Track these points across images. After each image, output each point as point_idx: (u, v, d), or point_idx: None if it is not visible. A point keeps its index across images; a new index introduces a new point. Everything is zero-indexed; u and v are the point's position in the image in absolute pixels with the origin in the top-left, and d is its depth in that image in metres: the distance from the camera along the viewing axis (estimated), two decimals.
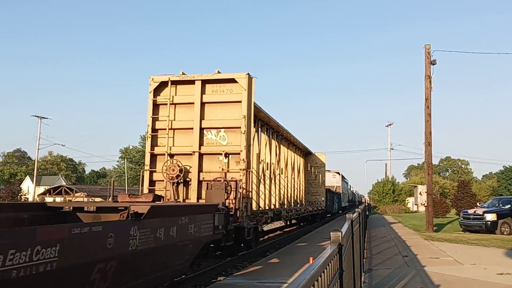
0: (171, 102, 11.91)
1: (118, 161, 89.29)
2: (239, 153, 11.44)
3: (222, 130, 11.63)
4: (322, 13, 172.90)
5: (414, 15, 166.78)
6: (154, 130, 12.01)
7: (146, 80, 12.12)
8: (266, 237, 19.31)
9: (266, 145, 16.11)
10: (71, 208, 6.96)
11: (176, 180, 11.32)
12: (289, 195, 20.21)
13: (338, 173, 42.33)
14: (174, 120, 11.92)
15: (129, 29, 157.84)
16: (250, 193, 11.72)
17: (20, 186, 50.09)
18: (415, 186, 65.83)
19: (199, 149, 11.63)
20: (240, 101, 11.57)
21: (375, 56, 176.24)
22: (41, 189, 59.35)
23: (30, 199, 49.74)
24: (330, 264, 2.47)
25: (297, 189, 22.85)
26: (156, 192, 11.00)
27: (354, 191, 71.16)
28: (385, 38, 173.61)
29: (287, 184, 19.91)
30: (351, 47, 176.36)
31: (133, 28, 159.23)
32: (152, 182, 11.84)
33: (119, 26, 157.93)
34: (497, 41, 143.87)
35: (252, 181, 11.93)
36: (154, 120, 12.00)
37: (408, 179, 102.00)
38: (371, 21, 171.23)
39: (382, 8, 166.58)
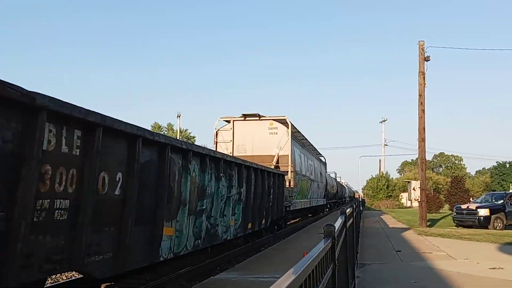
0: None
1: None
2: None
3: None
4: (318, 4, 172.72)
5: (409, 10, 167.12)
6: None
7: None
8: None
9: None
10: None
11: None
12: None
13: (285, 122, 18.17)
14: None
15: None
16: None
17: None
18: (408, 182, 66.24)
19: None
20: None
21: (369, 52, 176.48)
22: None
23: None
24: (323, 258, 2.45)
25: None
26: None
27: (345, 184, 58.44)
28: (381, 34, 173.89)
29: None
30: (345, 44, 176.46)
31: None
32: None
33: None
34: (492, 36, 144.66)
35: None
36: None
37: (402, 175, 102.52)
38: (366, 14, 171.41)
39: (379, 2, 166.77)
